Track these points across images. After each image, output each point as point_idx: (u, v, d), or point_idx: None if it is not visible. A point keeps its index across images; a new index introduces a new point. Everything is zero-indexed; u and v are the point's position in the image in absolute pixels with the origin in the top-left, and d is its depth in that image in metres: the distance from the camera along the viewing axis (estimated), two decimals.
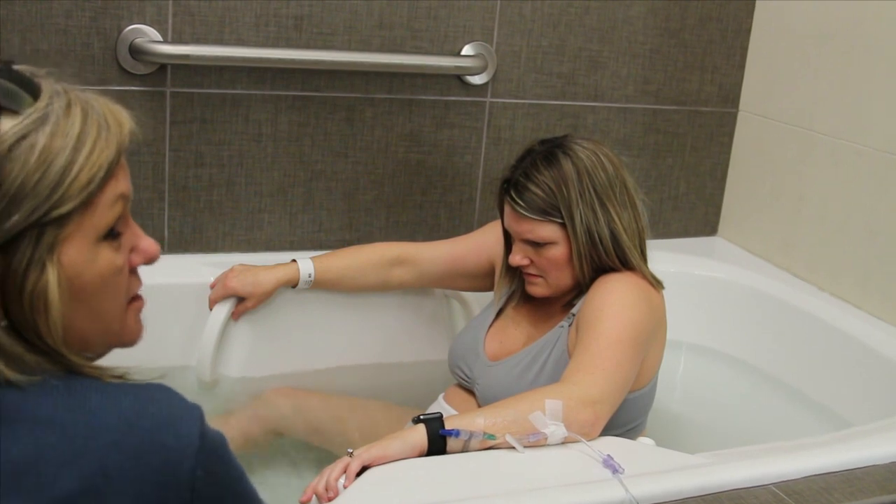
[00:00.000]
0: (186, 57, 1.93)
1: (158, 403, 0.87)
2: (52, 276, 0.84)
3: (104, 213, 0.88)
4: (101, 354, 0.93)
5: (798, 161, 2.31)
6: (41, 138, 0.83)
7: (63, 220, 0.85)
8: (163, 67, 1.96)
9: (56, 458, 0.81)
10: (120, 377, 0.90)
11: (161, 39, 1.93)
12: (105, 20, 1.90)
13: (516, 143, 2.25)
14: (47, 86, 0.87)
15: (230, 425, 1.81)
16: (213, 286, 1.93)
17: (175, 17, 1.94)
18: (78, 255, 0.86)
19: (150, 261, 0.96)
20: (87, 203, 0.86)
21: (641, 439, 1.52)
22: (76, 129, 0.85)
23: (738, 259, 2.43)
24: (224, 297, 1.91)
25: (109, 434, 0.83)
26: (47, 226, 0.84)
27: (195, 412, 0.88)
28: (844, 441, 1.55)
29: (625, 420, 1.61)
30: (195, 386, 1.92)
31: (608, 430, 1.47)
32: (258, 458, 1.89)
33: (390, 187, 2.22)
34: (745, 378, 2.24)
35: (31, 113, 0.84)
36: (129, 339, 0.96)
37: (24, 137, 0.83)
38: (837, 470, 1.45)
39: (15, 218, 0.82)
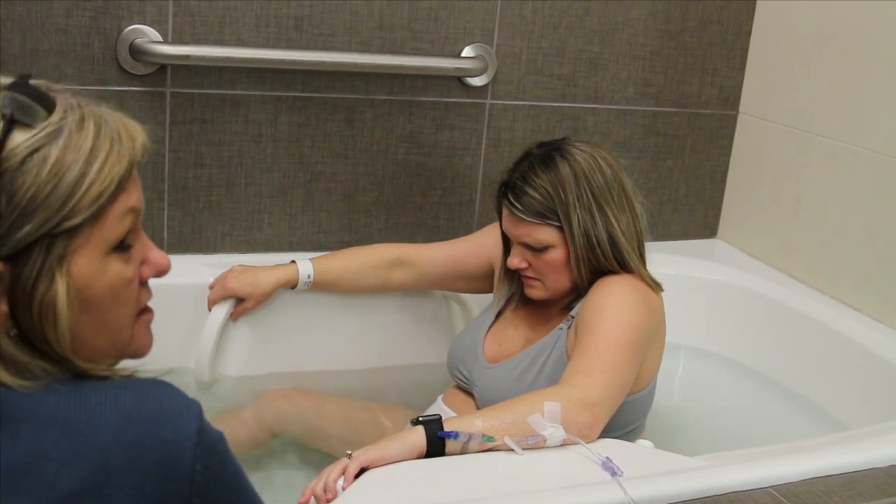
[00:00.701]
0: (186, 57, 1.93)
1: (158, 399, 0.88)
2: (61, 286, 0.86)
3: (114, 225, 0.89)
4: (111, 365, 0.95)
5: (798, 163, 2.32)
6: (54, 151, 0.85)
7: (73, 231, 0.86)
8: (163, 68, 1.96)
9: (58, 456, 0.82)
10: (126, 378, 0.91)
11: (161, 40, 1.93)
12: (105, 20, 1.90)
13: (516, 145, 2.25)
14: (62, 100, 0.89)
15: (228, 425, 1.81)
16: (212, 286, 1.93)
17: (175, 18, 1.94)
18: (87, 267, 0.88)
19: (160, 273, 0.98)
20: (98, 216, 0.87)
21: (640, 441, 1.52)
22: (89, 143, 0.87)
23: (737, 261, 2.43)
24: (223, 298, 1.91)
25: (110, 431, 0.84)
26: (58, 237, 0.85)
27: (194, 408, 0.89)
28: (844, 444, 1.55)
29: (624, 422, 1.61)
30: (194, 386, 1.92)
31: (607, 433, 1.47)
32: (256, 459, 1.89)
33: (390, 189, 2.22)
34: (744, 380, 2.24)
35: (44, 126, 0.86)
36: (138, 350, 0.98)
37: (36, 150, 0.85)
38: (837, 472, 1.45)
39: (26, 229, 0.84)
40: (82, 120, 0.88)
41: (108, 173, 0.88)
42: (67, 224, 0.85)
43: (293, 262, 1.93)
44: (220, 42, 1.99)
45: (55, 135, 0.86)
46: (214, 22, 1.97)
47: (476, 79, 2.20)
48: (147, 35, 1.92)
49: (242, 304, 1.92)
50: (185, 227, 2.08)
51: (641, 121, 2.42)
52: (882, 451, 1.51)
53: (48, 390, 0.85)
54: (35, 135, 0.85)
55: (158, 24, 1.93)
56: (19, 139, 0.84)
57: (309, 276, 1.92)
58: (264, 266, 1.93)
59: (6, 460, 0.81)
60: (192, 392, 0.91)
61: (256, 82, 2.04)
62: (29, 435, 0.82)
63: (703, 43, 2.42)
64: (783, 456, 1.48)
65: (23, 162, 0.84)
